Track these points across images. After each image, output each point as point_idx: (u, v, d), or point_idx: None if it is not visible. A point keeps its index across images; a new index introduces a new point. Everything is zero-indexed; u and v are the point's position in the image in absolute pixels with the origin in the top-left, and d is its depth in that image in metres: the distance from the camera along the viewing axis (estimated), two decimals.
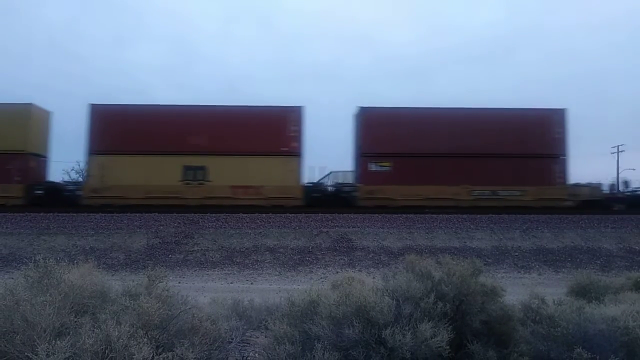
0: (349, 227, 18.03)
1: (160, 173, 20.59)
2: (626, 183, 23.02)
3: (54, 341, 3.60)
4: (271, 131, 21.00)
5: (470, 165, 21.09)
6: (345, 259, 15.66)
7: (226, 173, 20.68)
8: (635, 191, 22.59)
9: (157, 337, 4.23)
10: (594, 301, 5.72)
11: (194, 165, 20.81)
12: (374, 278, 7.41)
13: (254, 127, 20.91)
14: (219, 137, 20.89)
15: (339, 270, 14.27)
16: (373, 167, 21.16)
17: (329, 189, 22.84)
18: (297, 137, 21.05)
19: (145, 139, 20.63)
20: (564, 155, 21.48)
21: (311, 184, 22.35)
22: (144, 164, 20.46)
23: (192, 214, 19.16)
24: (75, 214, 19.03)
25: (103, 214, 19.01)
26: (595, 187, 22.06)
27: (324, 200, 21.40)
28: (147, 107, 22.32)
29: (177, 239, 17.00)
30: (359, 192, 21.08)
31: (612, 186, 22.62)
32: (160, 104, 24.78)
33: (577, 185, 21.85)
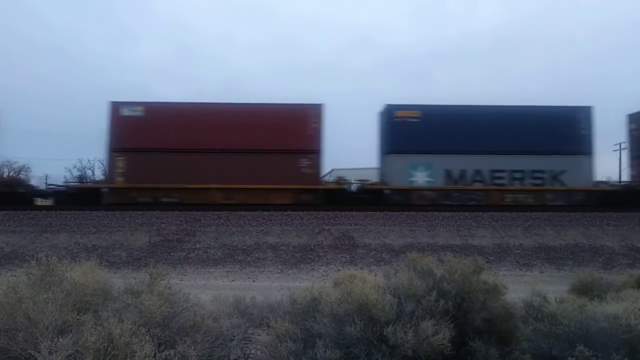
0: (350, 225, 18.03)
1: None
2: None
3: (56, 339, 3.60)
4: None
5: None
6: (347, 256, 15.66)
7: None
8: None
9: (159, 334, 4.25)
10: (596, 299, 5.71)
11: None
12: (375, 276, 7.42)
13: None
14: None
15: (340, 267, 14.27)
16: None
17: None
18: None
19: None
20: None
21: None
22: None
23: (195, 212, 19.19)
24: (77, 212, 19.06)
25: (105, 212, 19.03)
26: None
27: None
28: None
29: (179, 236, 17.02)
30: None
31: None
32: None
33: None
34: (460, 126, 21.36)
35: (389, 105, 21.86)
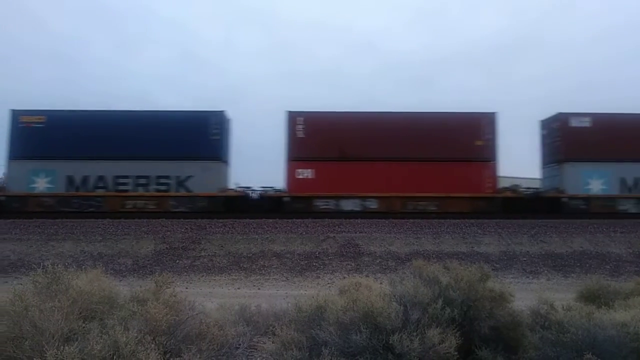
0: (356, 232, 18.00)
1: None
2: None
3: (62, 347, 3.61)
4: None
5: None
6: (352, 264, 15.62)
7: None
8: None
9: (165, 342, 4.24)
10: (603, 307, 5.68)
11: None
12: (381, 283, 7.39)
13: None
14: None
15: (346, 275, 14.22)
16: None
17: None
18: None
19: None
20: None
21: None
22: None
23: (200, 220, 19.23)
24: (82, 220, 19.13)
25: (111, 220, 19.11)
26: None
27: None
28: None
29: (184, 244, 17.04)
30: None
31: None
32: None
33: None
34: (84, 132, 20.94)
35: (14, 110, 21.14)
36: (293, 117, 21.20)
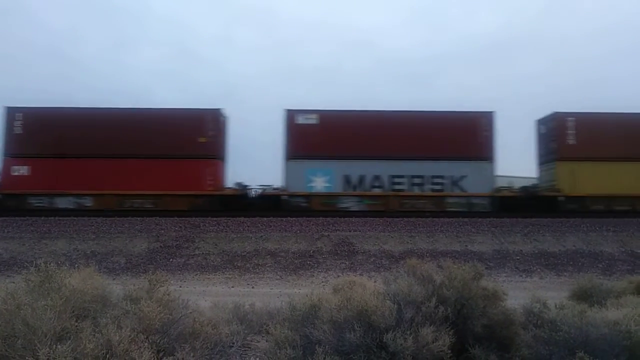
0: (350, 231, 18.01)
1: None
2: None
3: (55, 345, 3.59)
4: None
5: None
6: (347, 262, 15.63)
7: None
8: None
9: (158, 341, 4.23)
10: (595, 305, 5.72)
11: None
12: (375, 282, 7.41)
13: None
14: None
15: (340, 274, 14.24)
16: None
17: None
18: None
19: None
20: None
21: None
22: None
23: (194, 218, 19.17)
24: (76, 218, 19.02)
25: (104, 218, 19.01)
26: None
27: None
28: None
29: (178, 242, 16.99)
30: None
31: None
32: None
33: None
34: None
35: None
36: (12, 113, 20.86)
